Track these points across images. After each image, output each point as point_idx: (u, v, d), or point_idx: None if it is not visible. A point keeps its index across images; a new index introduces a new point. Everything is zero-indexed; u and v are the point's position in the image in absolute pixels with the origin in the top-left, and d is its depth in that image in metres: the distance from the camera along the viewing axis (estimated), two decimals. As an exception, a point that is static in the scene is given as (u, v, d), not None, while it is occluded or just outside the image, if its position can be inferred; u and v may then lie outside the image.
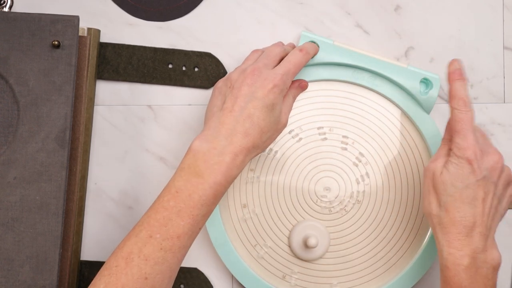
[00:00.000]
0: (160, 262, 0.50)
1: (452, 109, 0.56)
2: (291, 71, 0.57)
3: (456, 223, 0.53)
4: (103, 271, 0.51)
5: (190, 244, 0.53)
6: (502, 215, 0.57)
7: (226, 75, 0.60)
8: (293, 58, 0.58)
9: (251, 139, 0.54)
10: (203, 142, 0.53)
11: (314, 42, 0.63)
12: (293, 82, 0.61)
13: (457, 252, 0.53)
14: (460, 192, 0.53)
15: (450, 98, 0.56)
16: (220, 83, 0.58)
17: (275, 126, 0.56)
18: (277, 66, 0.57)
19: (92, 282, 0.51)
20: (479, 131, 0.58)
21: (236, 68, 0.58)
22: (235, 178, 0.54)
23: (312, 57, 0.62)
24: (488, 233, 0.54)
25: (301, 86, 0.62)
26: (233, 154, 0.53)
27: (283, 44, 0.64)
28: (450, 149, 0.55)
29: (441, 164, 0.55)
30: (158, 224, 0.51)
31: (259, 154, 0.64)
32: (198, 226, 0.53)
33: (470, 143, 0.54)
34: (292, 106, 0.60)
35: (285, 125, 0.58)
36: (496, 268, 0.54)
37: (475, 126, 0.56)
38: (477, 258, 0.53)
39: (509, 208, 0.61)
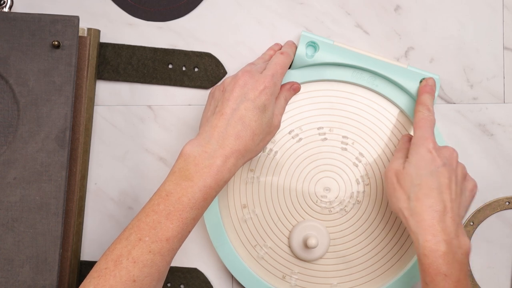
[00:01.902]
0: (148, 265, 0.51)
1: (416, 111, 0.60)
2: (279, 72, 0.58)
3: (428, 209, 0.55)
4: (93, 273, 0.52)
5: (179, 247, 0.53)
6: (466, 208, 0.58)
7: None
8: (278, 60, 0.59)
9: (243, 141, 0.54)
10: (194, 147, 0.54)
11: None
12: (284, 84, 0.62)
13: (433, 238, 0.53)
14: (426, 179, 0.55)
15: (417, 104, 0.61)
16: (214, 89, 0.59)
17: (268, 128, 0.57)
18: (265, 69, 0.58)
19: (82, 283, 0.52)
20: None
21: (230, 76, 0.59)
22: (226, 181, 0.54)
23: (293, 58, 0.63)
24: (458, 220, 0.55)
25: (294, 88, 0.62)
26: (224, 157, 0.53)
27: (280, 46, 0.65)
28: (405, 153, 0.59)
29: (401, 162, 0.58)
30: (147, 227, 0.52)
31: (259, 155, 0.64)
32: (187, 229, 0.53)
33: (430, 134, 0.58)
34: (284, 108, 0.60)
35: (277, 127, 0.59)
36: (468, 253, 0.55)
37: None
38: (452, 244, 0.54)
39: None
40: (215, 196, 0.54)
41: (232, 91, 0.55)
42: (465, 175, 0.59)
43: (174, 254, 0.53)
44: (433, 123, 0.59)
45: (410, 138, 0.62)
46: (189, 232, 0.53)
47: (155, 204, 0.53)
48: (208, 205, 0.54)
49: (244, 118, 0.54)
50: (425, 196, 0.55)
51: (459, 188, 0.57)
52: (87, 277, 0.52)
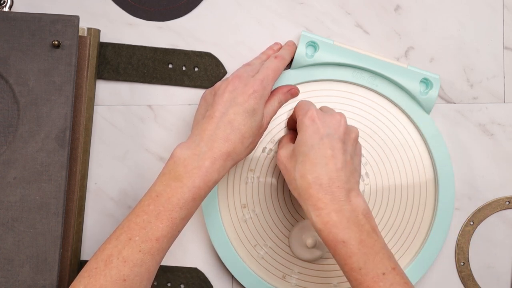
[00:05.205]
0: (138, 264, 0.51)
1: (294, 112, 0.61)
2: (270, 76, 0.58)
3: (311, 184, 0.54)
4: (83, 272, 0.52)
5: (169, 247, 0.54)
6: (359, 172, 0.58)
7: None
8: (270, 65, 0.59)
9: (232, 144, 0.55)
10: (184, 150, 0.55)
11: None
12: (282, 87, 0.62)
13: (323, 211, 0.53)
14: (308, 155, 0.54)
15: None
16: (206, 92, 0.60)
17: (257, 130, 0.57)
18: (257, 73, 0.58)
19: (72, 283, 0.52)
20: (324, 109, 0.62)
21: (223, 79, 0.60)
22: (216, 182, 0.55)
23: (292, 59, 0.63)
24: (348, 186, 0.54)
25: (291, 93, 0.62)
26: (213, 158, 0.54)
27: (280, 45, 0.65)
28: (291, 138, 0.60)
29: (288, 146, 0.58)
30: (137, 227, 0.52)
31: (259, 155, 0.64)
32: (177, 229, 0.53)
33: (309, 106, 0.58)
34: (276, 111, 0.60)
35: (265, 129, 0.59)
36: (365, 214, 0.54)
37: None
38: (343, 211, 0.53)
39: None
40: (204, 196, 0.55)
41: (222, 95, 0.56)
42: (356, 140, 0.58)
43: (164, 254, 0.54)
44: (308, 101, 0.60)
45: (293, 124, 0.61)
46: (179, 232, 0.54)
47: (145, 205, 0.53)
48: (198, 206, 0.55)
49: (233, 122, 0.55)
50: (308, 172, 0.54)
51: (349, 155, 0.56)
52: (78, 277, 0.52)
